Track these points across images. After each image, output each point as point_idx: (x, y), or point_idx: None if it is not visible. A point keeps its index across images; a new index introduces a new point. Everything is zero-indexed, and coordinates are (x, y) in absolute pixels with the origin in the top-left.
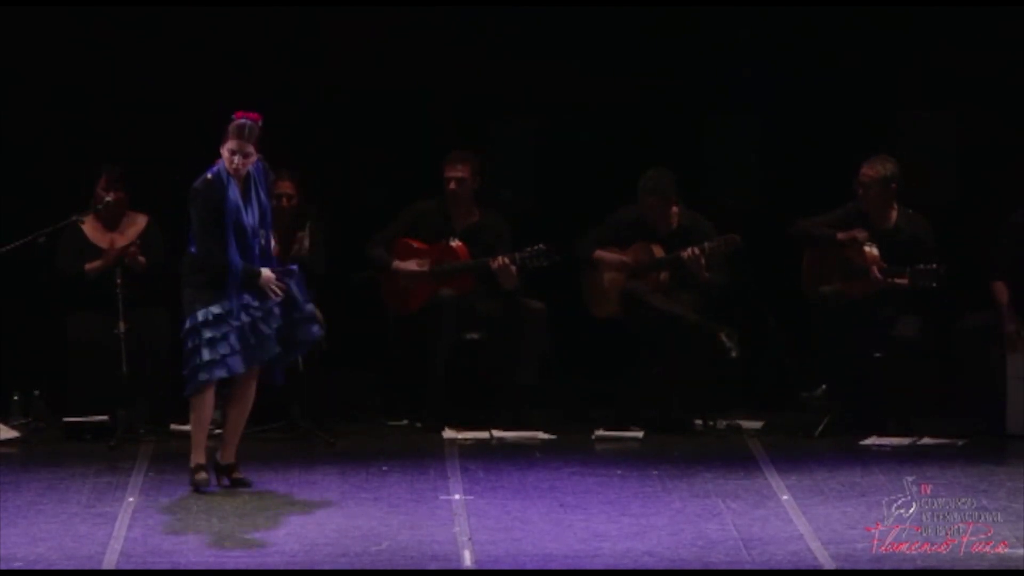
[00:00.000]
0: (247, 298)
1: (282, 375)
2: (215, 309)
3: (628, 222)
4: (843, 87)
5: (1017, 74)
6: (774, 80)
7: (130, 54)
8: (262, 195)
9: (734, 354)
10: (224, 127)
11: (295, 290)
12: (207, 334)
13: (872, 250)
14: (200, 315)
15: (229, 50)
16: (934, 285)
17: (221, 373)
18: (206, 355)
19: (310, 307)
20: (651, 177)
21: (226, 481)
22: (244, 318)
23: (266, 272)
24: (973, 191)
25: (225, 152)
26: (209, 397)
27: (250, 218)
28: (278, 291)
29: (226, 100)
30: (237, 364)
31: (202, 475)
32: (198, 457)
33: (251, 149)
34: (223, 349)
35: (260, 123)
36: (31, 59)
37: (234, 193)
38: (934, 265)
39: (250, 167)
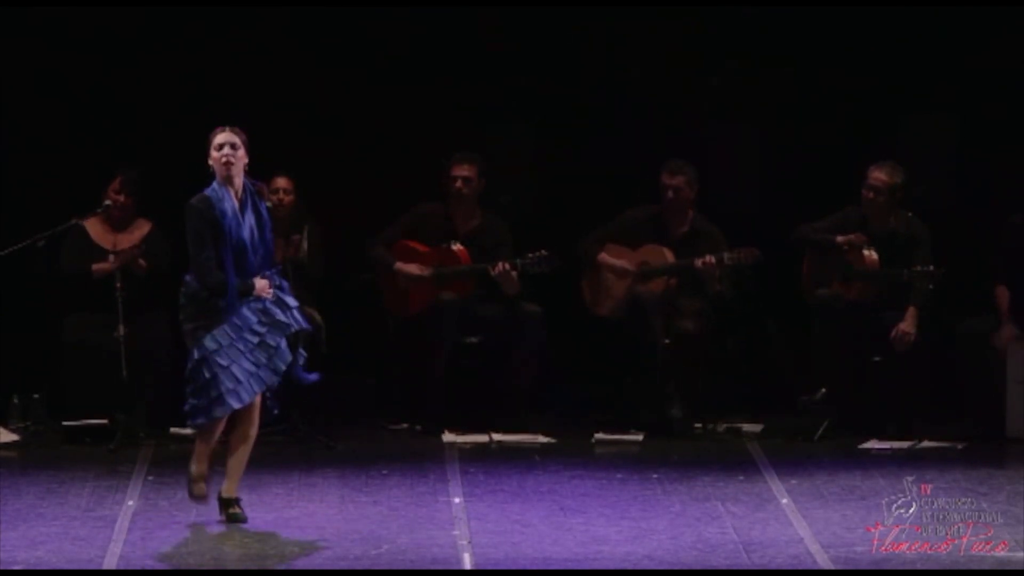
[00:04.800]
0: (250, 318)
1: (305, 374)
2: (220, 337)
3: (640, 222)
4: (843, 90)
5: (1018, 77)
6: (774, 85)
7: (132, 58)
8: (260, 208)
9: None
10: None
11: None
12: (222, 362)
13: (871, 253)
14: (208, 343)
15: (229, 54)
16: (931, 287)
17: (235, 404)
18: (222, 387)
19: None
20: (675, 162)
21: (222, 516)
22: (250, 338)
23: (260, 283)
24: (973, 194)
25: (214, 152)
26: (220, 425)
27: (247, 232)
28: (268, 293)
29: (229, 105)
30: (248, 393)
31: (201, 486)
32: (200, 467)
33: (239, 142)
34: (230, 382)
35: (244, 134)
36: (37, 61)
37: (231, 206)
38: (931, 267)
39: (245, 182)
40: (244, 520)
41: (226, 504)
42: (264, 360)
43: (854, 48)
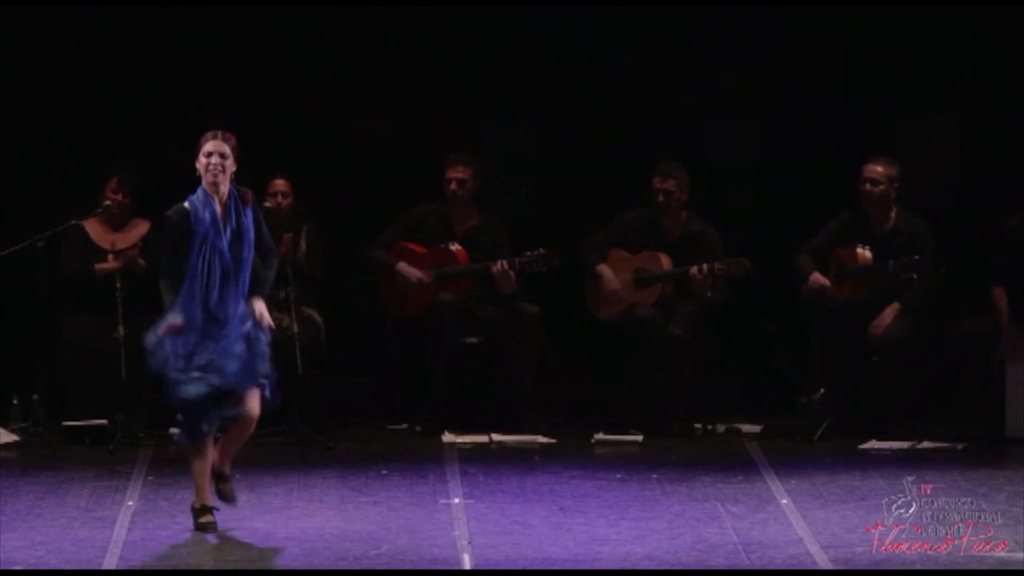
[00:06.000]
0: (189, 342)
1: (273, 394)
2: (181, 350)
3: (638, 224)
4: (843, 91)
5: (1017, 77)
6: (773, 86)
7: (132, 58)
8: (244, 215)
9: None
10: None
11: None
12: (179, 395)
13: (864, 252)
14: (169, 347)
15: (229, 54)
16: (914, 276)
17: (208, 429)
18: (180, 417)
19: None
20: (667, 164)
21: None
22: (195, 368)
23: (167, 322)
24: (972, 195)
25: (202, 159)
26: (207, 445)
27: (227, 238)
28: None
29: (228, 105)
30: (209, 422)
31: (208, 518)
32: (203, 499)
33: (228, 151)
34: (192, 412)
35: (234, 139)
36: (38, 60)
37: (212, 213)
38: (916, 257)
39: (231, 188)
40: (233, 500)
41: (218, 478)
42: (232, 380)
43: (854, 48)
